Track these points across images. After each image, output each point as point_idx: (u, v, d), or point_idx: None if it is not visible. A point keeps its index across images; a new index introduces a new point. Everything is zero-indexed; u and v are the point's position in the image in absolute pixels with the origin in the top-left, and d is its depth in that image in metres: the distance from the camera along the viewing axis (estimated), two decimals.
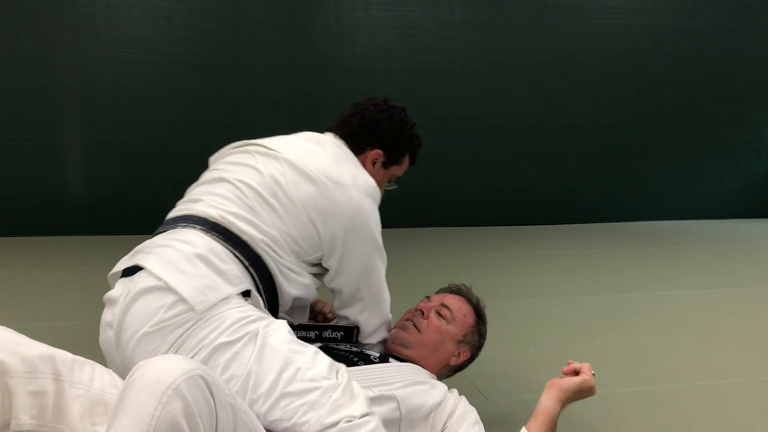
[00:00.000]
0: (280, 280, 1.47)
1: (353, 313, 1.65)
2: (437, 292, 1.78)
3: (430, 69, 5.03)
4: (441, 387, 1.50)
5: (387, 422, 1.33)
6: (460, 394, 1.56)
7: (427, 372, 1.57)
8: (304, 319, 1.68)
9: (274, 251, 1.45)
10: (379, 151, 1.72)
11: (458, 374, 1.77)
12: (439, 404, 1.45)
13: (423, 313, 1.66)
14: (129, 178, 4.58)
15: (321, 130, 1.75)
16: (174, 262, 1.33)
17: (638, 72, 5.43)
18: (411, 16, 4.94)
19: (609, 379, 2.12)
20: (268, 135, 1.68)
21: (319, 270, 1.59)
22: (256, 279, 1.43)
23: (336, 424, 1.20)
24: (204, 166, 1.70)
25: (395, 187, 1.84)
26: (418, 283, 3.06)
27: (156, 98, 4.56)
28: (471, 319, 1.68)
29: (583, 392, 1.48)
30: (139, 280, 1.33)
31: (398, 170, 1.80)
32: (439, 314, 1.65)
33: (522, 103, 5.25)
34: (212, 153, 1.72)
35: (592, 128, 5.44)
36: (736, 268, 3.94)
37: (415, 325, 1.64)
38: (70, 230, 4.51)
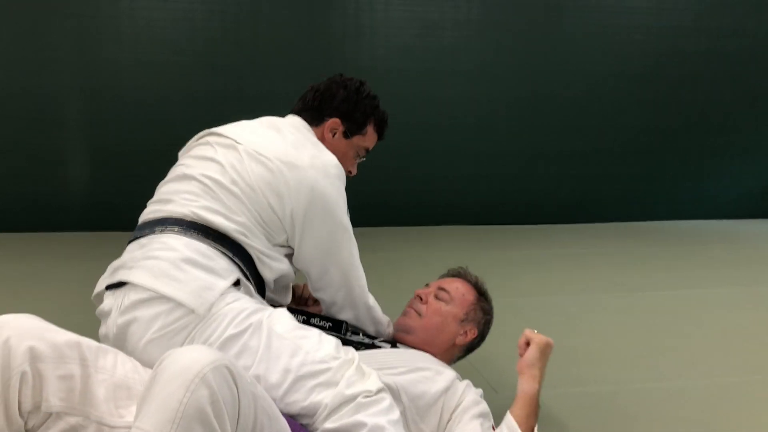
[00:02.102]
0: (258, 264, 1.50)
1: (328, 296, 1.65)
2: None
3: (448, 70, 5.04)
4: (448, 374, 1.50)
5: None
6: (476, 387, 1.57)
7: (435, 359, 1.58)
8: (288, 299, 1.69)
9: (247, 237, 1.47)
10: (337, 120, 1.72)
11: (469, 368, 1.79)
12: (445, 392, 1.45)
13: (422, 299, 1.68)
14: (148, 178, 4.62)
15: None
16: (163, 271, 1.34)
17: (656, 72, 5.39)
18: (429, 17, 4.95)
19: (623, 376, 2.13)
20: None
21: (291, 251, 1.60)
22: (242, 266, 1.45)
23: (354, 398, 1.26)
24: None
25: (364, 159, 1.83)
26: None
27: (176, 98, 4.62)
28: (471, 296, 1.69)
29: (542, 351, 1.51)
30: (129, 293, 1.34)
31: (363, 141, 1.78)
32: (437, 297, 1.67)
33: (541, 104, 5.25)
34: None
35: (610, 129, 5.42)
36: (754, 267, 3.91)
37: (416, 311, 1.67)
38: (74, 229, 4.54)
